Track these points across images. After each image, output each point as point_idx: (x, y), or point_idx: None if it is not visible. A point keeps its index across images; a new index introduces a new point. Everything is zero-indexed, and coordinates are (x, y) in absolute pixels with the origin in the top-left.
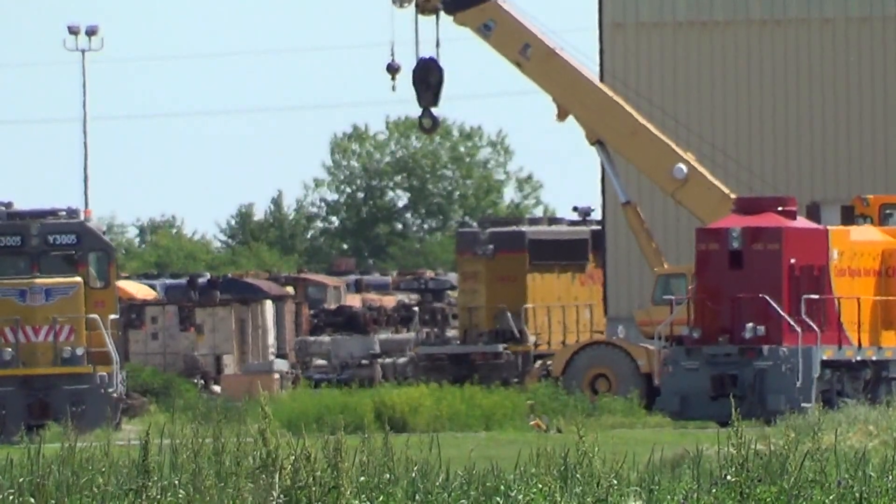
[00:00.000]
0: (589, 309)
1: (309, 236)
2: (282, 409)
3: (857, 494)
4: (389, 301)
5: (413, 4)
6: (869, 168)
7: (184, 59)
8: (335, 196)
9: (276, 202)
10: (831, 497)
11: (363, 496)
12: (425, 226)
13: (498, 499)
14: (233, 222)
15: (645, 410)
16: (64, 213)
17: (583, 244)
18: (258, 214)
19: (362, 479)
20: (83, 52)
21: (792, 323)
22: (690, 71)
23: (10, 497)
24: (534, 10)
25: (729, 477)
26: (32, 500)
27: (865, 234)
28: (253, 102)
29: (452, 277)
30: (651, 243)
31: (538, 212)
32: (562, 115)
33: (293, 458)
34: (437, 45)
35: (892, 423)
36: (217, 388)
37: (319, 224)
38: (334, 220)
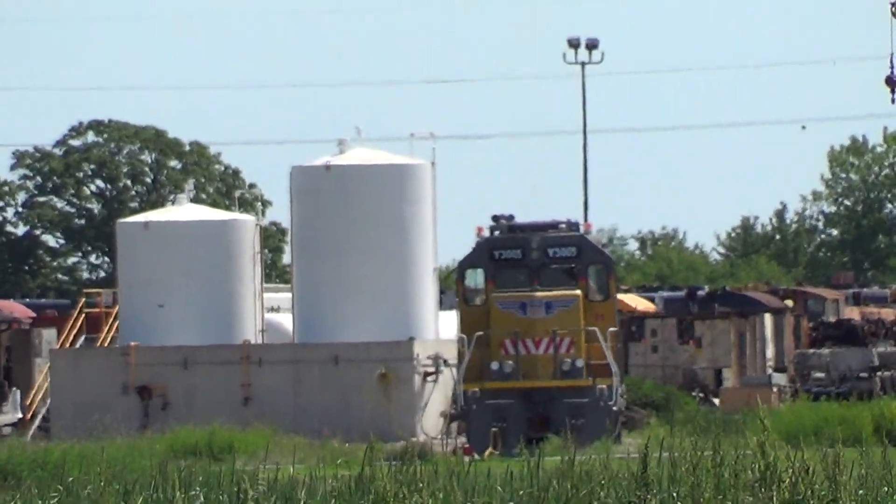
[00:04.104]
0: None
1: (809, 249)
2: (780, 421)
3: None
4: (888, 314)
5: None
6: None
7: (682, 72)
8: (833, 209)
9: (780, 215)
10: None
11: None
12: None
13: None
14: (734, 234)
15: None
16: (564, 225)
17: None
18: (760, 227)
19: (861, 491)
20: (583, 64)
21: None
22: None
23: None
24: None
25: None
26: None
27: None
28: (751, 115)
29: None
30: None
31: None
32: None
33: (791, 470)
34: None
35: None
36: (716, 401)
37: (819, 237)
38: (833, 232)
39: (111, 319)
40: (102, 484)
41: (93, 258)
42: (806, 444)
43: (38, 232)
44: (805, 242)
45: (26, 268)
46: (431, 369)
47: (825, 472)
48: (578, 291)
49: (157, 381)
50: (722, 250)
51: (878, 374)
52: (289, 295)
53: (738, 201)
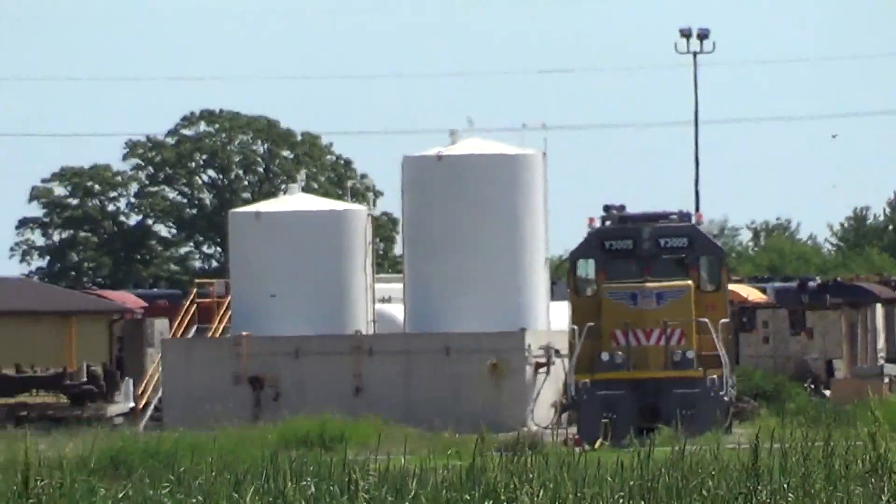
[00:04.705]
0: None
1: None
2: (891, 412)
3: None
4: None
5: None
6: None
7: (794, 62)
8: None
9: (893, 205)
10: None
11: None
12: None
13: None
14: (846, 225)
15: None
16: (675, 216)
17: None
18: (873, 217)
19: None
20: (695, 54)
21: None
22: None
23: (620, 500)
24: None
25: None
26: (643, 502)
27: None
28: (864, 105)
29: None
30: None
31: None
32: None
33: None
34: None
35: None
36: (827, 393)
37: None
38: None
39: (223, 309)
40: (214, 474)
41: (205, 248)
42: None
43: (150, 222)
44: None
45: (139, 257)
46: (543, 360)
47: None
48: (690, 282)
49: (269, 372)
50: (834, 241)
51: None
52: (400, 285)
53: (853, 190)
